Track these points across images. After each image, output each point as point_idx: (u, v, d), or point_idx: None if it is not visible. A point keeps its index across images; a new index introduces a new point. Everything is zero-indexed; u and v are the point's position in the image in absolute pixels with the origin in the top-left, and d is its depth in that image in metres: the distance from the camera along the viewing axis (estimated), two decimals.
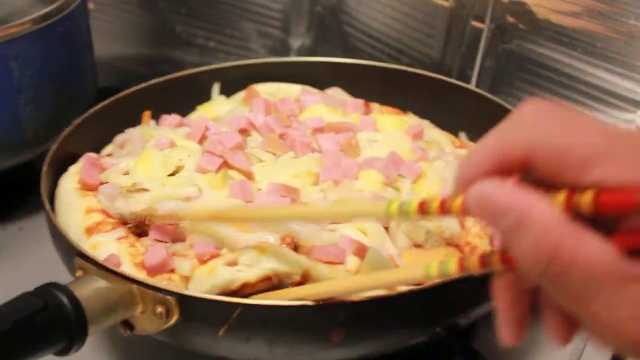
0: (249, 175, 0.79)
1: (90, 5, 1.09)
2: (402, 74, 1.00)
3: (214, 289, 0.67)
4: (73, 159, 0.86)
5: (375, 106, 0.96)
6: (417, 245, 0.74)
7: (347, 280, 0.68)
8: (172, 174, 0.80)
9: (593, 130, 0.42)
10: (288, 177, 0.77)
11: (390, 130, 0.88)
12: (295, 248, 0.71)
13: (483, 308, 0.70)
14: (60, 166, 0.84)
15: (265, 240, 0.70)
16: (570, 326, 0.45)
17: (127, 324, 0.68)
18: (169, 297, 0.65)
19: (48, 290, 0.62)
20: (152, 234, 0.73)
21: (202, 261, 0.70)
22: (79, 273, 0.69)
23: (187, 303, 0.65)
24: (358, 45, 1.16)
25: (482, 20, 1.00)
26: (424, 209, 0.49)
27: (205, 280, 0.68)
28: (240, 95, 0.98)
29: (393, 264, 0.71)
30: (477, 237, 0.75)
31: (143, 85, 0.95)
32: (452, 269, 0.49)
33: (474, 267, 0.47)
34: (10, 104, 0.94)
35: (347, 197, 0.75)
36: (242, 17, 1.25)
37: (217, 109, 0.94)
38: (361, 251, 0.71)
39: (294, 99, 0.93)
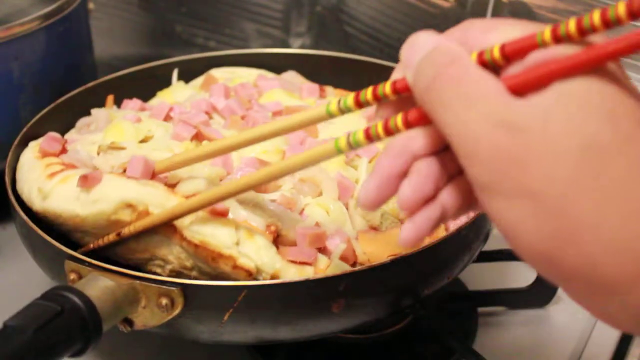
0: None
1: (90, 5, 1.08)
2: (351, 61, 1.03)
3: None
4: None
5: (329, 90, 0.98)
6: (373, 228, 0.76)
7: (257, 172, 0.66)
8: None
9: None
10: (257, 154, 0.80)
11: None
12: (277, 237, 0.72)
13: (460, 267, 0.75)
14: None
15: (251, 223, 0.71)
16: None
17: (127, 320, 0.68)
18: (173, 288, 0.66)
19: (59, 293, 0.62)
20: None
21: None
22: (72, 276, 0.69)
23: (191, 292, 0.66)
24: (358, 45, 1.17)
25: None
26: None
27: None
28: (198, 81, 0.99)
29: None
30: None
31: (108, 77, 0.96)
32: (360, 139, 0.52)
33: (380, 133, 0.51)
34: (10, 104, 0.94)
35: (311, 175, 0.77)
36: (242, 17, 1.25)
37: (177, 95, 0.96)
38: (317, 239, 0.72)
39: (251, 84, 0.95)
